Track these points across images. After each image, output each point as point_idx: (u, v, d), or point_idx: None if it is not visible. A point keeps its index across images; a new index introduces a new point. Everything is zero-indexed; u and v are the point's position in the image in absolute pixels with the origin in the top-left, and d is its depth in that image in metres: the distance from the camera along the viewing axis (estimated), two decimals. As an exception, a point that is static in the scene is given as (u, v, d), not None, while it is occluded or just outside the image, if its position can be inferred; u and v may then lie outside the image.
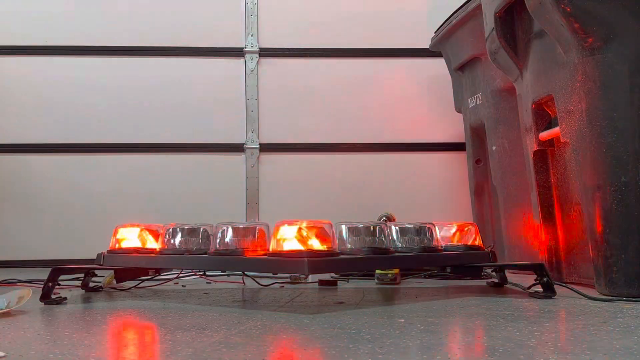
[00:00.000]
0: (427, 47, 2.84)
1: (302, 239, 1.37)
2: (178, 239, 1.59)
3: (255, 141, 3.06)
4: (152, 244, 1.71)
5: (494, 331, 1.03)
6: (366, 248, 1.43)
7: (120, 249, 1.70)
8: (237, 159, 3.07)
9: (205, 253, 1.53)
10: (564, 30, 1.52)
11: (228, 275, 2.10)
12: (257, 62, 3.10)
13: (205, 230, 1.61)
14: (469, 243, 1.68)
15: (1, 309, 1.28)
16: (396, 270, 1.91)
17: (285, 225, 1.39)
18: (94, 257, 1.73)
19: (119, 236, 1.72)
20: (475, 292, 1.64)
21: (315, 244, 1.37)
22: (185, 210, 2.98)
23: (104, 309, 1.36)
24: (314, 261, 1.30)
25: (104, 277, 1.74)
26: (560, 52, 1.60)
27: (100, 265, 1.69)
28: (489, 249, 1.70)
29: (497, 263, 1.72)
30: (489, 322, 1.13)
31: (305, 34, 3.14)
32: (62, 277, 1.51)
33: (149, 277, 1.73)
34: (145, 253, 1.65)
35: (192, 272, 2.03)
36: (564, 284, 1.65)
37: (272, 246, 1.39)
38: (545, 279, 1.52)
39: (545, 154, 1.85)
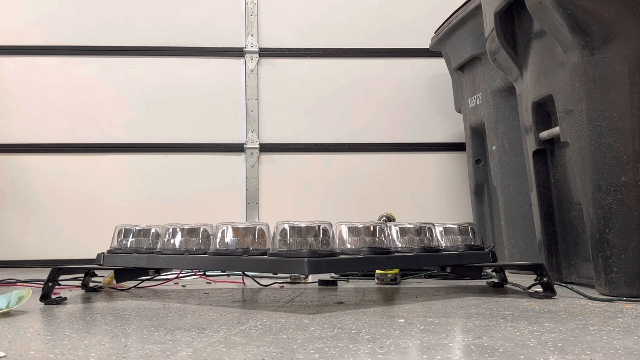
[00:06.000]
0: (427, 47, 2.84)
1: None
2: (178, 239, 1.59)
3: (255, 141, 3.06)
4: (152, 244, 1.71)
5: (494, 331, 1.03)
6: (366, 248, 1.43)
7: (120, 249, 1.70)
8: (237, 159, 3.07)
9: (205, 253, 1.53)
10: (564, 30, 1.52)
11: (228, 275, 2.10)
12: (257, 62, 3.10)
13: (205, 230, 1.61)
14: (469, 243, 1.68)
15: (1, 309, 1.28)
16: (396, 270, 1.91)
17: (286, 225, 1.38)
18: (94, 257, 1.73)
19: (118, 236, 1.72)
20: (475, 292, 1.64)
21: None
22: (185, 210, 2.99)
23: (104, 309, 1.36)
24: (314, 261, 1.30)
25: (104, 277, 1.75)
26: (560, 52, 1.60)
27: (100, 265, 1.69)
28: (489, 249, 1.70)
29: (497, 263, 1.72)
30: (489, 322, 1.13)
31: (305, 34, 3.14)
32: (62, 277, 1.52)
33: (149, 277, 1.73)
34: (145, 253, 1.65)
35: (192, 272, 2.04)
36: (564, 284, 1.65)
37: (272, 246, 1.39)
38: (545, 279, 1.52)
39: (545, 154, 1.85)
